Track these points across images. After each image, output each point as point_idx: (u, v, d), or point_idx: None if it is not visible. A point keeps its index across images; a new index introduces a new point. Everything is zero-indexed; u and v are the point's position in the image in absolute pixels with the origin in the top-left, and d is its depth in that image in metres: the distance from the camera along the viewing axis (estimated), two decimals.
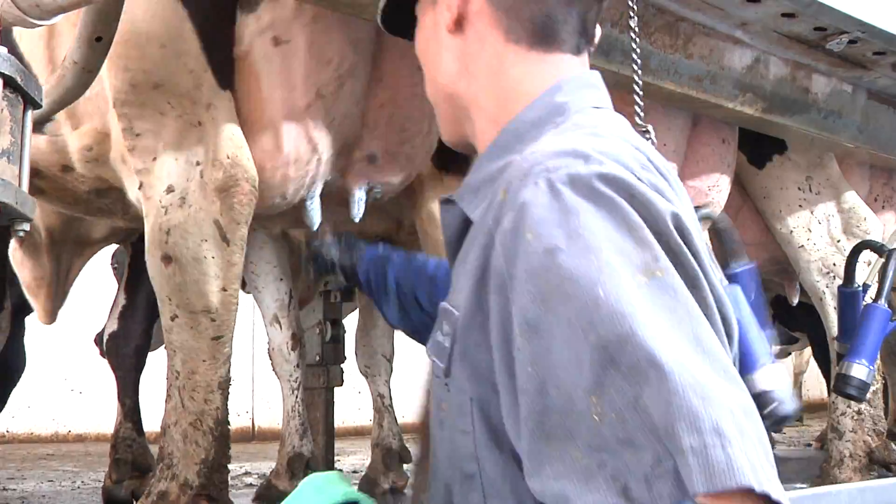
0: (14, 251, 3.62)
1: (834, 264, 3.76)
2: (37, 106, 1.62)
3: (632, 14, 2.14)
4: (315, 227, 2.62)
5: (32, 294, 3.86)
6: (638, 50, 2.10)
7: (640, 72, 2.09)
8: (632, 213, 0.99)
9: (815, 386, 9.31)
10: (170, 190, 2.33)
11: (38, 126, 2.73)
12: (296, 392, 4.03)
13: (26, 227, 1.59)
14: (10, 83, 1.50)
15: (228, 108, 2.38)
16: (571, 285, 0.94)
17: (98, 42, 2.32)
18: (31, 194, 1.51)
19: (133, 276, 4.01)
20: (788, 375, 1.91)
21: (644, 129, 2.01)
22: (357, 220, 2.68)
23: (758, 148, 3.73)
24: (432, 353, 1.19)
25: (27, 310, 3.86)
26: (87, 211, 3.10)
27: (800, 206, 3.86)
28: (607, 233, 0.97)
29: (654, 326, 0.92)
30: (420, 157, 2.78)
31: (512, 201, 1.03)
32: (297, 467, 3.88)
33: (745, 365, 1.66)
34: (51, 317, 3.95)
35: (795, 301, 4.64)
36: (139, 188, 2.39)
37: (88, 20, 2.29)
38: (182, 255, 2.31)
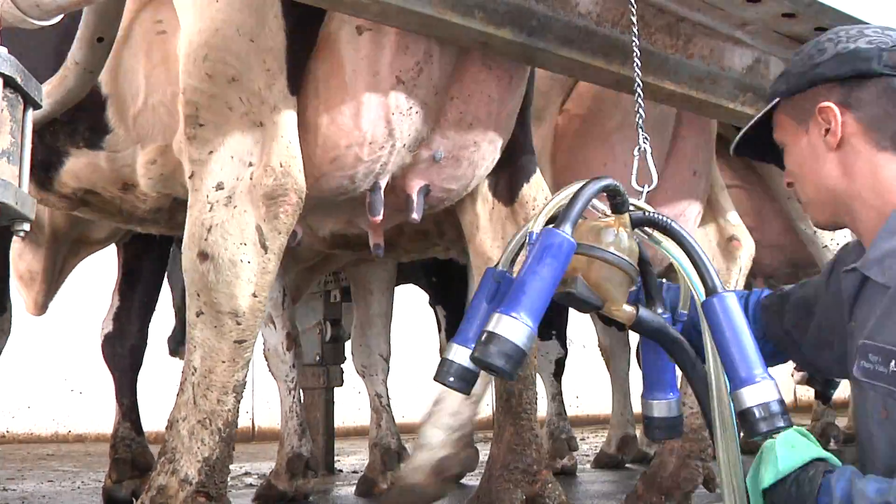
0: (14, 241, 3.64)
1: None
2: (37, 106, 1.62)
3: (632, 15, 2.15)
4: (379, 219, 2.60)
5: (25, 285, 3.91)
6: (638, 52, 2.12)
7: (639, 70, 2.10)
8: None
9: None
10: (219, 187, 2.32)
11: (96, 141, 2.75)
12: (293, 392, 4.03)
13: (26, 227, 1.60)
14: (10, 83, 1.50)
15: (292, 115, 2.38)
16: None
17: (100, 42, 2.32)
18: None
19: (126, 277, 4.03)
20: (778, 391, 1.87)
21: (644, 137, 2.04)
22: (418, 220, 2.67)
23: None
24: (862, 374, 1.66)
25: None
26: (130, 220, 3.10)
27: None
28: None
29: None
30: (481, 167, 2.75)
31: None
32: (297, 467, 3.88)
33: (733, 381, 1.67)
34: (41, 309, 4.01)
35: None
36: (190, 177, 2.38)
37: (90, 21, 2.29)
38: (219, 255, 2.30)
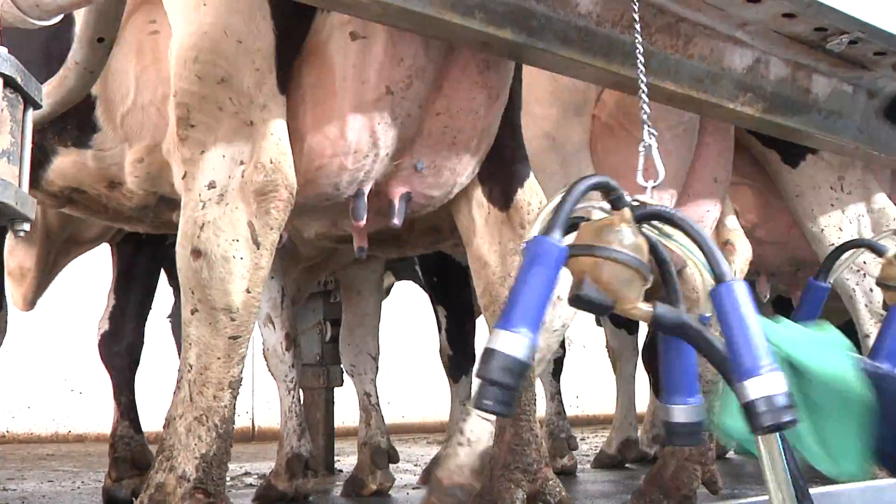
0: (8, 237, 3.65)
1: (864, 262, 3.79)
2: (37, 106, 1.62)
3: (634, 13, 2.15)
4: (362, 224, 2.64)
5: (14, 281, 3.93)
6: (641, 49, 2.12)
7: (644, 73, 2.10)
8: None
9: None
10: (211, 185, 2.35)
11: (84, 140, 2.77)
12: (292, 392, 4.03)
13: (26, 227, 1.60)
14: (10, 83, 1.51)
15: (281, 113, 2.41)
16: None
17: (100, 43, 2.33)
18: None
19: (121, 277, 4.04)
20: (786, 384, 1.86)
21: (650, 132, 2.02)
22: (398, 225, 2.70)
23: (792, 147, 3.76)
24: None
25: None
26: (116, 218, 3.11)
27: (831, 205, 3.90)
28: None
29: None
30: (463, 176, 2.78)
31: None
32: (296, 467, 3.88)
33: (738, 373, 1.63)
34: (29, 305, 4.03)
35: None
36: (182, 177, 2.41)
37: (90, 21, 2.30)
38: (211, 252, 2.32)
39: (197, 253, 2.33)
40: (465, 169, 2.77)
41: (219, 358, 2.35)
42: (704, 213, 3.60)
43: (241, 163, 2.36)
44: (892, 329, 2.59)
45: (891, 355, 2.58)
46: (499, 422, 2.78)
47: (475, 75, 2.65)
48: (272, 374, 4.09)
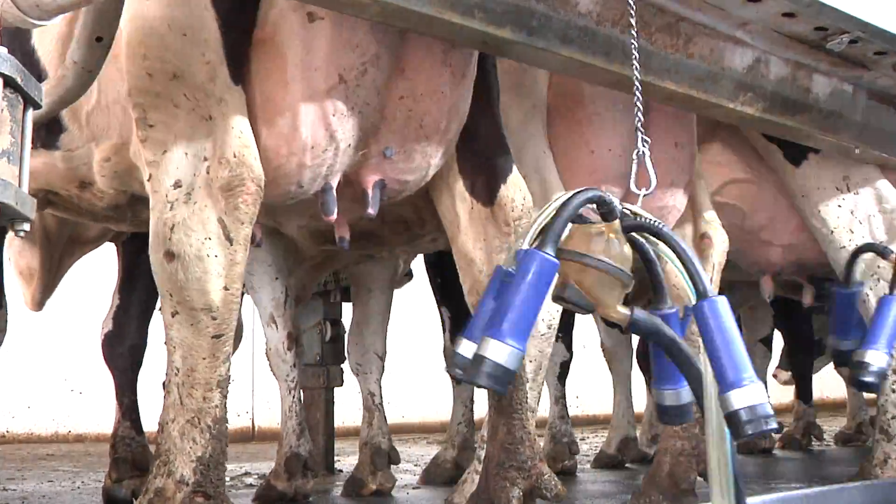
0: (12, 238, 3.66)
1: (879, 266, 3.72)
2: (37, 106, 1.62)
3: (631, 17, 2.15)
4: (333, 218, 2.60)
5: (25, 281, 3.98)
6: (637, 54, 2.12)
7: (639, 73, 2.10)
8: None
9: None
10: (177, 185, 2.32)
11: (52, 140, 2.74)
12: (293, 392, 4.03)
13: (26, 227, 1.60)
14: (10, 83, 1.50)
15: (239, 105, 2.37)
16: None
17: (98, 42, 2.32)
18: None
19: (125, 276, 4.03)
20: (766, 394, 1.88)
21: (644, 140, 2.06)
22: (374, 215, 2.67)
23: (795, 145, 3.67)
24: None
25: None
26: (94, 218, 3.10)
27: (839, 206, 3.81)
28: None
29: None
30: (436, 158, 2.74)
31: None
32: (295, 467, 3.87)
33: (721, 384, 1.70)
34: (38, 305, 4.05)
35: (810, 301, 4.59)
36: (148, 180, 2.38)
37: (88, 20, 2.29)
38: (185, 253, 2.30)
39: (170, 255, 2.31)
40: (436, 151, 2.72)
41: (204, 358, 2.33)
42: (673, 179, 3.45)
43: (205, 159, 2.32)
44: (883, 318, 2.61)
45: (887, 342, 2.60)
46: (491, 421, 2.79)
47: (439, 55, 2.59)
48: (274, 374, 4.09)
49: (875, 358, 2.57)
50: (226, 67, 2.35)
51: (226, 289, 2.32)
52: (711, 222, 3.70)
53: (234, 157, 2.31)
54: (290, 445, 3.91)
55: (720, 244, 3.66)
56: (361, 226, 2.94)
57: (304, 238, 3.36)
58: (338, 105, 2.45)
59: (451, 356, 4.45)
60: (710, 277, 3.60)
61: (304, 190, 2.56)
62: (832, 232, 3.81)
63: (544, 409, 4.53)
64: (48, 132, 2.74)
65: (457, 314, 4.55)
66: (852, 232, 3.79)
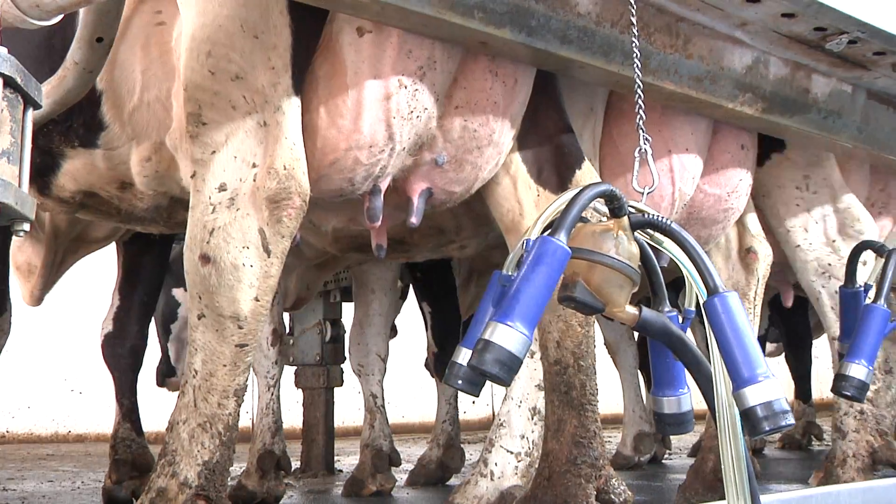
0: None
1: (829, 264, 3.76)
2: (37, 106, 1.62)
3: (632, 16, 2.15)
4: (377, 225, 2.57)
5: (23, 276, 3.96)
6: (638, 52, 2.12)
7: (640, 73, 2.10)
8: None
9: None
10: (222, 188, 2.29)
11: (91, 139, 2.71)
12: (272, 389, 4.01)
13: (26, 227, 1.60)
14: (10, 83, 1.50)
15: (295, 116, 2.33)
16: None
17: (99, 43, 2.32)
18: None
19: (126, 277, 4.03)
20: (782, 390, 1.87)
21: (645, 138, 2.05)
22: (416, 224, 2.63)
23: (759, 144, 3.70)
24: None
25: None
26: (129, 220, 3.07)
27: (797, 205, 3.83)
28: None
29: None
30: (486, 170, 2.71)
31: None
32: (268, 465, 3.86)
33: (736, 381, 1.67)
34: (37, 301, 4.04)
35: (790, 304, 4.64)
36: (192, 176, 2.34)
37: (89, 21, 2.29)
38: (221, 259, 2.27)
39: (205, 258, 2.28)
40: (486, 163, 2.69)
41: (224, 365, 2.31)
42: (737, 184, 3.44)
43: (254, 165, 2.28)
44: (867, 328, 2.61)
45: (868, 356, 2.60)
46: (556, 415, 2.68)
47: (486, 63, 2.58)
48: (254, 370, 4.05)
49: (857, 371, 2.58)
50: (290, 76, 2.32)
51: (256, 300, 2.29)
52: (757, 236, 3.70)
53: (284, 168, 2.27)
54: (263, 443, 3.90)
55: (765, 258, 3.67)
56: (391, 232, 2.91)
57: (330, 242, 3.31)
58: (401, 106, 2.43)
59: (433, 352, 4.47)
60: (755, 290, 3.62)
61: (354, 188, 2.52)
62: (788, 231, 3.83)
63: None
64: (87, 129, 2.70)
65: (436, 309, 4.53)
66: (807, 231, 3.80)
